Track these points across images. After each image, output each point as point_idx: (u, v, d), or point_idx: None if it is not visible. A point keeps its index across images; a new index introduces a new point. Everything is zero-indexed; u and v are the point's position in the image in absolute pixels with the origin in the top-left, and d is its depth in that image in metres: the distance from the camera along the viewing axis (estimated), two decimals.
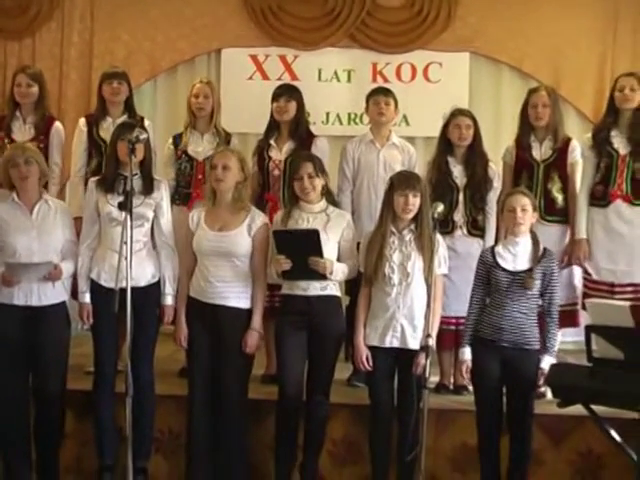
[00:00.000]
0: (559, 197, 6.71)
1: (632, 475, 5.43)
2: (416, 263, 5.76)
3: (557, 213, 6.72)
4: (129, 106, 7.06)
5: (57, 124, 7.17)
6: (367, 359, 5.82)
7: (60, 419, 6.08)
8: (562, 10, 8.58)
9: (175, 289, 6.01)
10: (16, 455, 5.97)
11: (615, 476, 6.08)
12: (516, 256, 5.76)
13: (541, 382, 5.75)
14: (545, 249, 5.81)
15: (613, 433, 5.69)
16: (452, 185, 6.61)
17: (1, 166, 5.95)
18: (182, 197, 6.80)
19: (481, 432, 5.81)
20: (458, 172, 6.64)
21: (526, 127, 6.78)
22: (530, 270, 5.70)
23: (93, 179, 6.14)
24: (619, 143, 6.64)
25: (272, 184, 6.74)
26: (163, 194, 6.06)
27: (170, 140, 7.03)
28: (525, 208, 5.75)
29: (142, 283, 5.82)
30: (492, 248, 5.91)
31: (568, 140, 6.79)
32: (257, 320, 5.94)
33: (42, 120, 7.06)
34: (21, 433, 5.97)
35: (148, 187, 5.95)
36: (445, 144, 6.70)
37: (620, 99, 6.64)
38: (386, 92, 7.06)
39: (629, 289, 6.64)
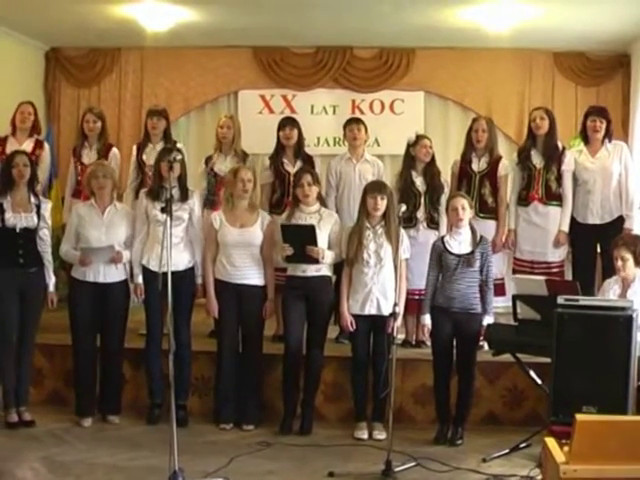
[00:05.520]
0: (490, 200, 6.65)
1: (545, 403, 5.43)
2: (387, 250, 5.74)
3: (488, 211, 6.64)
4: (167, 135, 6.98)
5: (114, 150, 7.10)
6: (351, 323, 5.80)
7: (121, 367, 6.11)
8: (492, 61, 8.65)
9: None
10: (86, 395, 5.97)
11: (533, 405, 6.07)
12: (460, 243, 5.72)
13: (481, 336, 5.75)
14: (481, 236, 5.79)
15: (532, 374, 5.74)
16: (415, 192, 6.53)
17: (86, 178, 6.06)
18: (210, 203, 6.70)
19: (436, 375, 5.77)
20: (419, 182, 6.57)
21: (469, 146, 6.72)
22: (472, 253, 5.67)
23: (143, 190, 6.19)
24: (536, 159, 6.61)
25: (291, 192, 6.64)
26: (195, 201, 6.07)
27: (203, 161, 6.95)
28: (464, 207, 5.71)
29: (181, 267, 5.82)
30: (442, 238, 5.88)
31: (499, 158, 6.73)
32: (271, 292, 5.98)
33: (103, 147, 6.99)
34: (90, 378, 5.97)
35: (184, 196, 5.95)
36: (409, 161, 6.62)
37: (534, 127, 6.62)
38: (357, 121, 6.99)
39: (543, 266, 6.61)
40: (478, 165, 6.68)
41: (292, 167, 6.71)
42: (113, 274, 5.90)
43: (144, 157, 6.86)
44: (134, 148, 7.06)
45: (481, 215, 6.59)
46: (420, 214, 6.54)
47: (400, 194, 6.40)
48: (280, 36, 8.32)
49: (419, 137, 6.65)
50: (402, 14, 7.26)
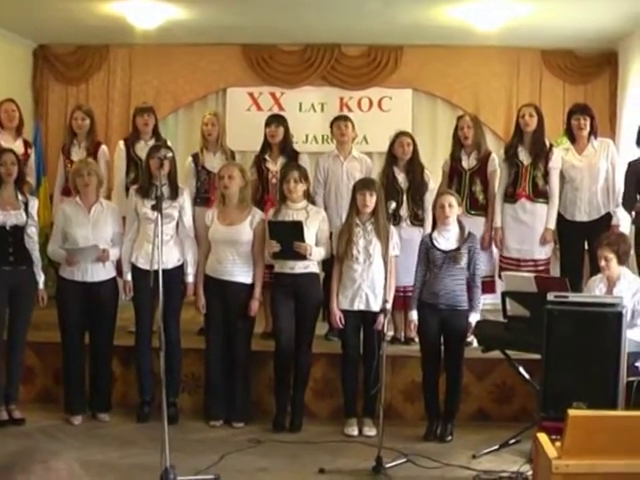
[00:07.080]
0: (480, 197, 6.67)
1: (534, 400, 5.45)
2: (376, 247, 5.74)
3: (479, 208, 6.67)
4: (156, 132, 6.93)
5: (103, 147, 7.04)
6: (340, 319, 5.79)
7: (110, 365, 6.09)
8: (480, 58, 8.63)
9: (195, 270, 5.97)
10: (75, 392, 5.95)
11: (522, 401, 6.08)
12: (448, 239, 5.72)
13: (470, 332, 5.73)
14: (469, 232, 5.78)
15: (521, 370, 5.74)
16: (397, 189, 6.51)
17: (71, 176, 6.01)
18: (203, 200, 6.63)
19: (424, 372, 5.78)
20: (402, 179, 6.56)
21: (457, 144, 6.72)
22: (458, 249, 5.67)
23: (133, 187, 6.12)
24: (523, 156, 6.60)
25: (270, 189, 6.64)
26: (185, 198, 6.03)
27: (190, 159, 6.86)
28: (451, 204, 5.70)
29: (170, 265, 5.76)
30: (430, 234, 5.87)
31: (489, 154, 6.74)
32: (258, 291, 5.91)
33: (92, 144, 6.95)
34: (79, 376, 5.95)
35: (174, 193, 5.91)
36: (391, 158, 6.61)
37: (522, 123, 6.61)
38: (345, 118, 6.99)
39: (530, 263, 6.62)
40: (468, 162, 6.68)
41: (274, 164, 6.69)
42: (101, 273, 5.86)
43: (137, 152, 6.74)
44: (120, 144, 6.94)
45: (472, 212, 6.60)
46: (403, 211, 6.51)
47: (384, 192, 6.38)
48: (268, 34, 8.29)
49: (397, 135, 6.62)
50: (391, 12, 7.24)
